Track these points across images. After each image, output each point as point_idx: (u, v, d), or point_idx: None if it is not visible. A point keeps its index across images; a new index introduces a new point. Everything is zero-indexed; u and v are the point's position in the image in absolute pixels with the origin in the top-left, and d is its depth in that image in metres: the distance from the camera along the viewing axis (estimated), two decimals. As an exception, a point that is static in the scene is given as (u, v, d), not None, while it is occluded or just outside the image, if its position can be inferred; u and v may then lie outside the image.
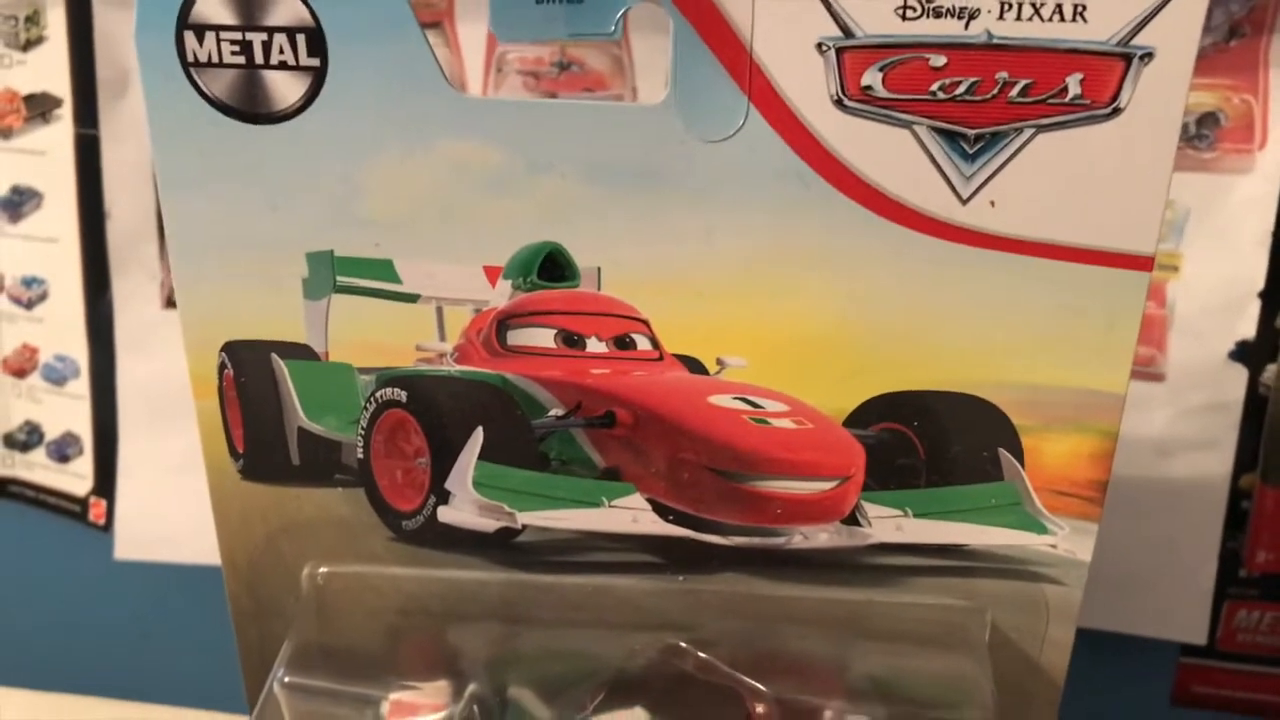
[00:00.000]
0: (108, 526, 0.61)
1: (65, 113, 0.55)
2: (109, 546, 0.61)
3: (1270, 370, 0.50)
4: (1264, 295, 0.49)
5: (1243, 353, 0.50)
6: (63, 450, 0.61)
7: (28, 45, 0.55)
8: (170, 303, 0.56)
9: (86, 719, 0.65)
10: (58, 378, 0.60)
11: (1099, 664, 0.55)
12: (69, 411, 0.60)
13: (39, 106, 0.56)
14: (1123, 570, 0.52)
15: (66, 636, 0.66)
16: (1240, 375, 0.50)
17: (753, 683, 0.33)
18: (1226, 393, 0.50)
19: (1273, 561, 0.53)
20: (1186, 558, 0.52)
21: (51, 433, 0.61)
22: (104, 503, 0.60)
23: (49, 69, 0.55)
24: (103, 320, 0.58)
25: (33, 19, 0.54)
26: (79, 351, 0.59)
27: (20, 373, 0.60)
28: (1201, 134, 0.48)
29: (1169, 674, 0.56)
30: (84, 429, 0.60)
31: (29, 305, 0.59)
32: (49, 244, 0.57)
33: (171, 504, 0.58)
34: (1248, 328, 0.49)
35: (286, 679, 0.33)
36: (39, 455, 0.61)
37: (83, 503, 0.61)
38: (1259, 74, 0.47)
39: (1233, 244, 0.49)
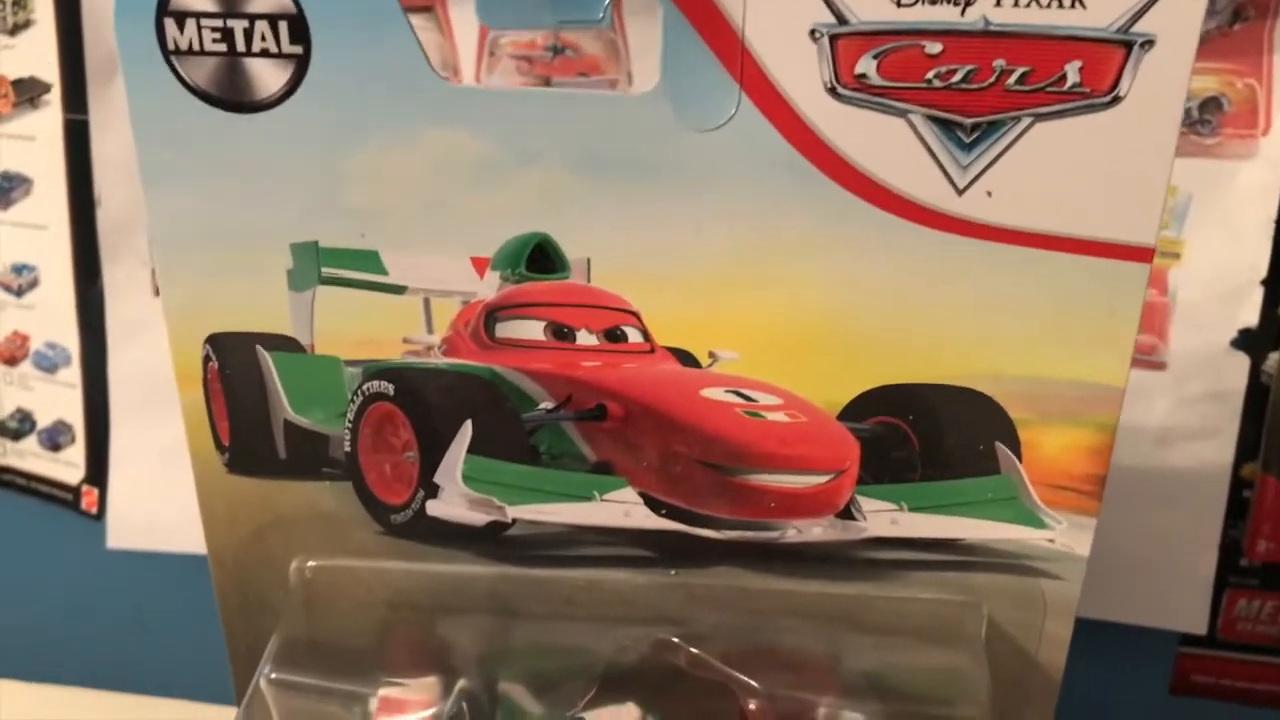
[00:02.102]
0: (100, 515, 0.61)
1: (54, 98, 0.55)
2: (101, 535, 0.61)
3: (1272, 359, 0.50)
4: (1267, 283, 0.49)
5: (1245, 341, 0.50)
6: (54, 438, 0.61)
7: (15, 29, 0.54)
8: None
9: (79, 709, 0.65)
10: (49, 365, 0.59)
11: (1098, 653, 0.55)
12: (60, 399, 0.60)
13: (27, 91, 0.55)
14: (1122, 559, 0.52)
15: (58, 626, 0.66)
16: (1242, 364, 0.50)
17: (745, 678, 0.33)
18: (1228, 381, 0.50)
19: (1274, 550, 0.52)
20: (1187, 546, 0.52)
21: (43, 421, 0.61)
22: (96, 491, 0.60)
23: (37, 53, 0.55)
24: (94, 308, 0.58)
25: (20, 2, 0.54)
26: (70, 339, 0.59)
27: (11, 360, 0.60)
28: (1204, 119, 0.48)
29: (1168, 663, 0.56)
30: (75, 417, 0.60)
31: (19, 292, 0.59)
32: (39, 230, 0.57)
33: (164, 493, 0.58)
34: (1250, 315, 0.49)
35: (273, 675, 0.33)
36: (30, 443, 0.61)
37: (75, 491, 0.61)
38: (1263, 58, 0.47)
39: (1236, 231, 0.49)
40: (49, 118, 0.55)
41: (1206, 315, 0.50)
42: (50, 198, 0.56)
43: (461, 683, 0.33)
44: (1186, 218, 0.49)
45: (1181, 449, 0.51)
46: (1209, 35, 0.47)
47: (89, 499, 0.61)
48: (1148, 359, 0.50)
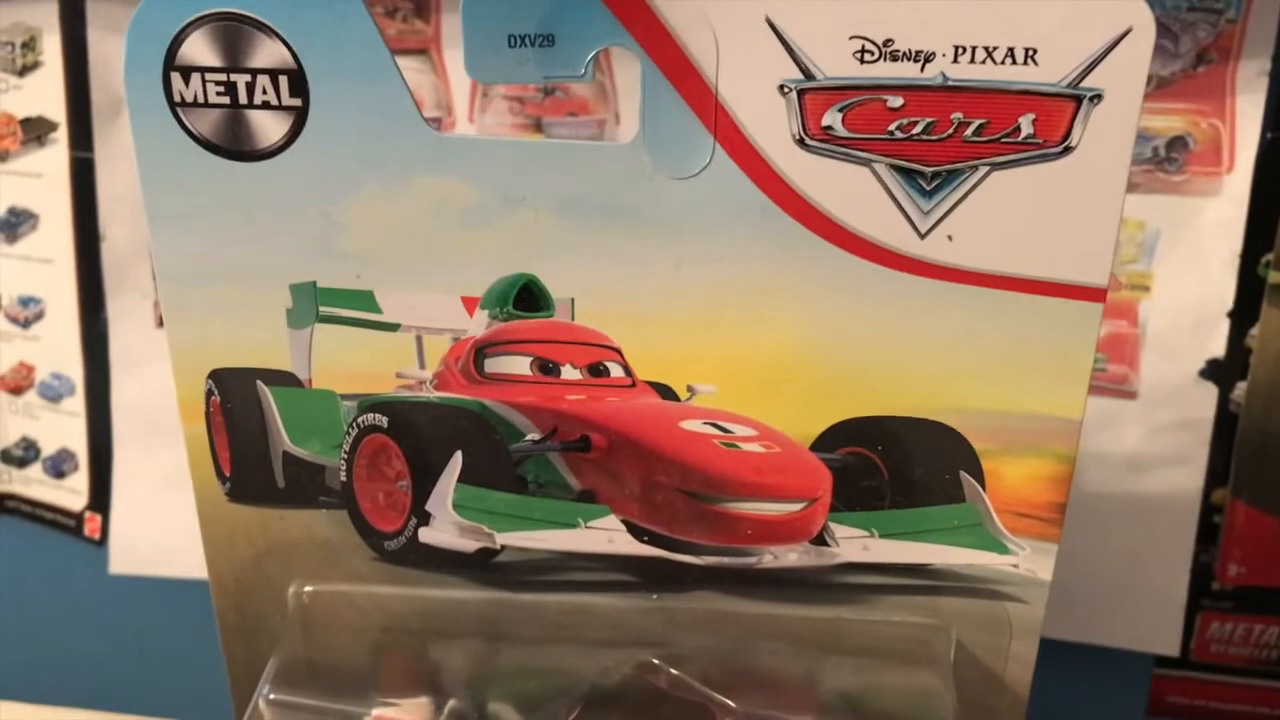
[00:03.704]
0: (103, 541, 0.62)
1: (61, 136, 0.56)
2: (104, 561, 0.62)
3: (1240, 388, 0.51)
4: (1233, 315, 0.50)
5: (1213, 371, 0.51)
6: (59, 466, 0.62)
7: (24, 70, 0.56)
8: (163, 322, 0.57)
9: (81, 730, 0.65)
10: (54, 395, 0.61)
11: (1075, 675, 0.56)
12: (65, 428, 0.61)
13: (35, 130, 0.57)
14: (1097, 583, 0.53)
15: (61, 650, 0.66)
16: (1211, 393, 0.51)
17: (724, 699, 0.34)
18: (1197, 410, 0.51)
19: (1245, 574, 0.54)
20: (1159, 571, 0.53)
21: (48, 449, 0.62)
22: (99, 518, 0.61)
23: (45, 93, 0.56)
24: (97, 339, 0.59)
25: (29, 45, 0.55)
26: (74, 369, 0.60)
27: (17, 390, 0.61)
28: (1171, 157, 0.49)
29: (1145, 685, 0.57)
30: (79, 445, 0.61)
31: (26, 324, 0.60)
32: (45, 264, 0.58)
33: (165, 519, 0.59)
34: (1218, 346, 0.50)
35: (271, 696, 0.34)
36: (35, 471, 0.62)
37: (78, 518, 0.62)
38: (1226, 99, 0.48)
39: (1202, 264, 0.50)
40: (55, 155, 0.57)
41: (1176, 346, 0.51)
42: (56, 232, 0.58)
43: (452, 703, 0.34)
44: (1155, 252, 0.50)
45: (1153, 476, 0.52)
46: (1174, 77, 0.48)
47: (92, 525, 0.62)
48: (1119, 388, 0.52)
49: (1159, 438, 0.52)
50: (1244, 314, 0.50)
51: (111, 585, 0.62)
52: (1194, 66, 0.48)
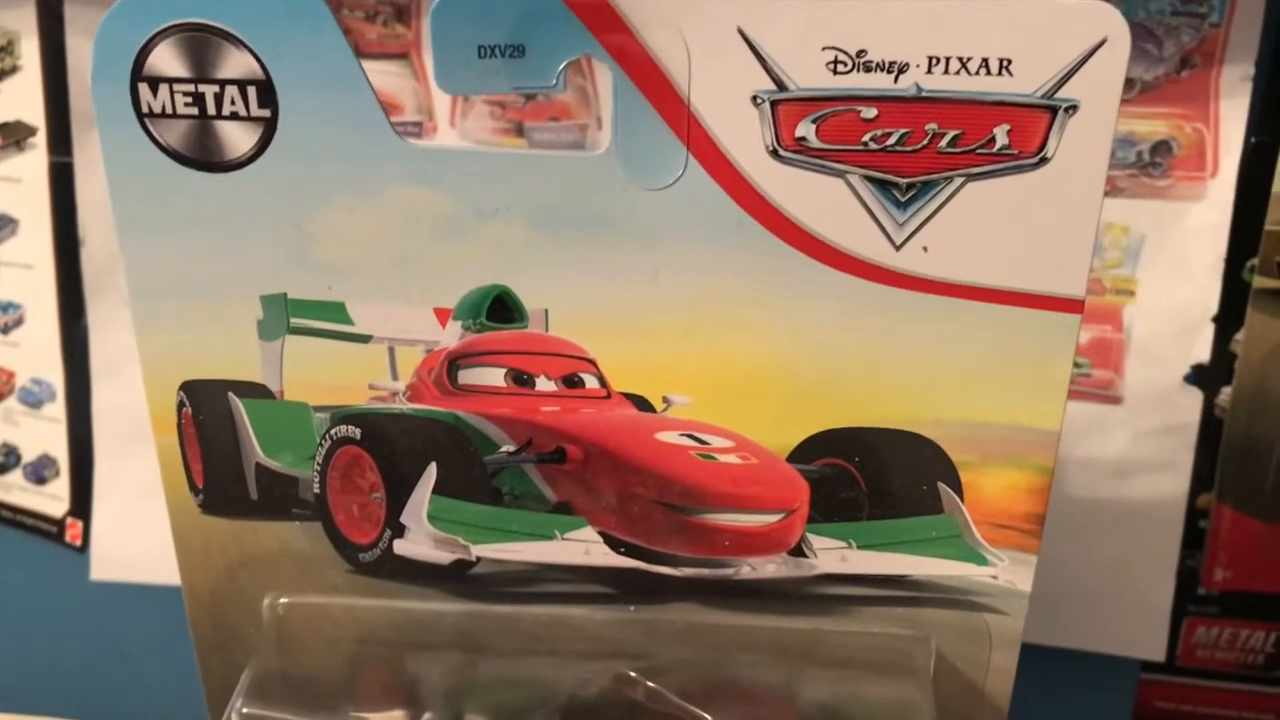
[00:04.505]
0: (84, 548, 0.61)
1: (40, 141, 0.56)
2: (85, 567, 0.61)
3: (1225, 393, 0.51)
4: (1218, 320, 0.50)
5: (1198, 376, 0.51)
6: (39, 472, 0.61)
7: (2, 75, 0.56)
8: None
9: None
10: (34, 401, 0.60)
11: (1062, 681, 0.56)
12: (45, 434, 0.61)
13: (13, 134, 0.56)
14: (1083, 588, 0.53)
15: (42, 656, 0.66)
16: (1196, 398, 0.51)
17: (700, 713, 0.34)
18: (1183, 415, 0.51)
19: (1230, 579, 0.54)
20: (1145, 576, 0.53)
21: (28, 455, 0.62)
22: (80, 524, 0.61)
23: (23, 98, 0.56)
24: (78, 345, 0.59)
25: (6, 49, 0.55)
26: (55, 375, 0.60)
27: (-3, 396, 0.61)
28: (1155, 162, 0.49)
29: (1131, 690, 0.57)
30: (60, 451, 0.61)
31: (5, 330, 0.60)
32: (25, 270, 0.58)
33: (147, 526, 0.59)
34: (1203, 351, 0.50)
35: (245, 710, 0.33)
36: (16, 477, 0.62)
37: (59, 524, 0.62)
38: (1209, 104, 0.48)
39: (1187, 269, 0.50)
40: (34, 160, 0.56)
41: (1161, 351, 0.51)
42: (36, 238, 0.57)
43: (428, 716, 0.34)
44: (1140, 257, 0.50)
45: (1138, 481, 0.52)
46: (1158, 82, 0.48)
47: (73, 532, 0.61)
48: (1104, 394, 0.52)
49: (1144, 443, 0.52)
50: (1229, 319, 0.50)
51: (93, 592, 0.62)
52: (1178, 71, 0.48)
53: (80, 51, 0.54)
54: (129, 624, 0.63)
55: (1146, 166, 0.49)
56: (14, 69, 0.55)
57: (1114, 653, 0.55)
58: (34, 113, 0.56)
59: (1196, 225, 0.49)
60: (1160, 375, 0.51)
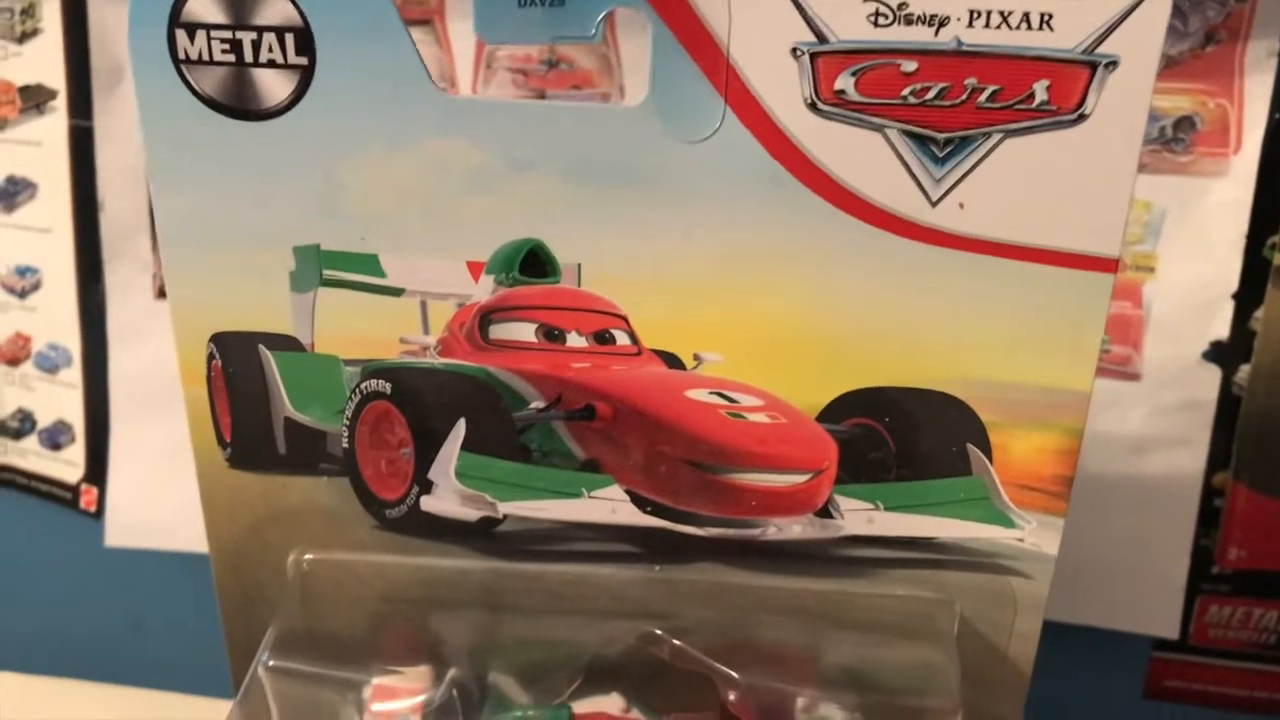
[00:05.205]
0: (99, 514, 0.61)
1: (60, 104, 0.56)
2: (100, 533, 0.61)
3: (1243, 371, 0.51)
4: (1238, 297, 0.50)
5: (1217, 353, 0.51)
6: (55, 438, 0.61)
7: (23, 37, 0.56)
8: (162, 294, 0.56)
9: (77, 703, 0.65)
10: (50, 366, 0.60)
11: (1073, 657, 0.56)
12: (61, 399, 0.61)
13: (34, 98, 0.56)
14: (1097, 564, 0.53)
15: (58, 622, 0.66)
16: (1214, 376, 0.51)
17: (726, 670, 0.34)
18: (1200, 392, 0.51)
19: (1244, 558, 0.53)
20: (1159, 553, 0.53)
21: (44, 420, 0.62)
22: (95, 490, 0.61)
23: (44, 61, 0.55)
24: (95, 310, 0.58)
25: (28, 11, 0.55)
26: (72, 340, 0.59)
27: (14, 361, 0.61)
28: (1178, 137, 0.49)
29: (1142, 667, 0.57)
30: (76, 417, 0.61)
31: (22, 294, 0.59)
32: (43, 234, 0.58)
33: (161, 492, 0.59)
34: (1222, 328, 0.50)
35: (271, 662, 0.33)
36: (31, 443, 0.62)
37: (74, 490, 0.62)
38: (1234, 80, 0.48)
39: (1208, 246, 0.50)
40: (54, 124, 0.56)
41: (1180, 328, 0.51)
42: (54, 202, 0.57)
43: (452, 672, 0.34)
44: (1161, 233, 0.50)
45: (1155, 458, 0.52)
46: (1182, 57, 0.48)
47: (88, 498, 0.61)
48: (1122, 370, 0.52)
49: (1161, 420, 0.52)
50: (1249, 296, 0.50)
51: (107, 558, 0.62)
52: (1202, 46, 0.48)
53: (102, 14, 0.54)
54: (143, 590, 0.63)
55: (1169, 142, 0.49)
56: (35, 31, 0.55)
57: (1127, 630, 0.54)
58: (55, 76, 0.56)
59: (1218, 202, 0.49)
60: (1179, 352, 0.51)
